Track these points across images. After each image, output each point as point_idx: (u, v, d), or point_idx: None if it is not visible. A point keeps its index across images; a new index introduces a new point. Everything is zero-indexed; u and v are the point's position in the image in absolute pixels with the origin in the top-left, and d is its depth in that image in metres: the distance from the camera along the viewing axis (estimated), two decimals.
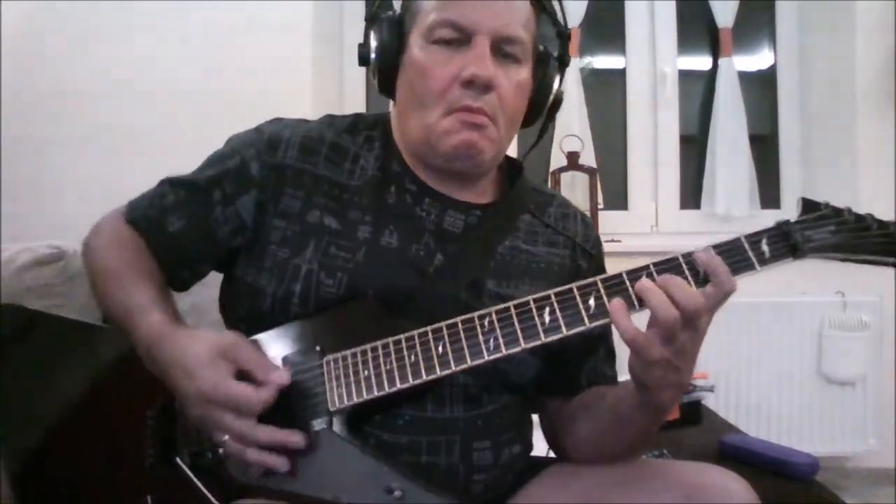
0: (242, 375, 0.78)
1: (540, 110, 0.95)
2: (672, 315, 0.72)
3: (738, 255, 0.77)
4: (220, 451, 0.79)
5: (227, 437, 0.78)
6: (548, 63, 0.93)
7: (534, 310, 0.78)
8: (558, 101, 0.96)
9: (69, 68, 2.16)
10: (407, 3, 0.92)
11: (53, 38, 2.16)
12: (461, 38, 0.86)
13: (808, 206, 0.80)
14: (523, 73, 0.90)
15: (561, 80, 0.96)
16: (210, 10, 2.17)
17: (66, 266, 1.48)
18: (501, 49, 0.87)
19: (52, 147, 2.15)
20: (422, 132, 0.89)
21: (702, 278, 0.76)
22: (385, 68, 0.91)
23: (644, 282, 0.75)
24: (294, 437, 0.78)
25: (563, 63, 0.95)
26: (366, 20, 0.93)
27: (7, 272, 1.41)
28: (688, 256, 0.77)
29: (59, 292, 1.46)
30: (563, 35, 0.94)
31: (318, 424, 0.81)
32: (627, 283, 0.76)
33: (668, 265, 0.77)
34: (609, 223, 2.41)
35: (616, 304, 0.75)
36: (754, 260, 0.77)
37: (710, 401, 1.80)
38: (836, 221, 0.78)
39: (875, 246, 0.77)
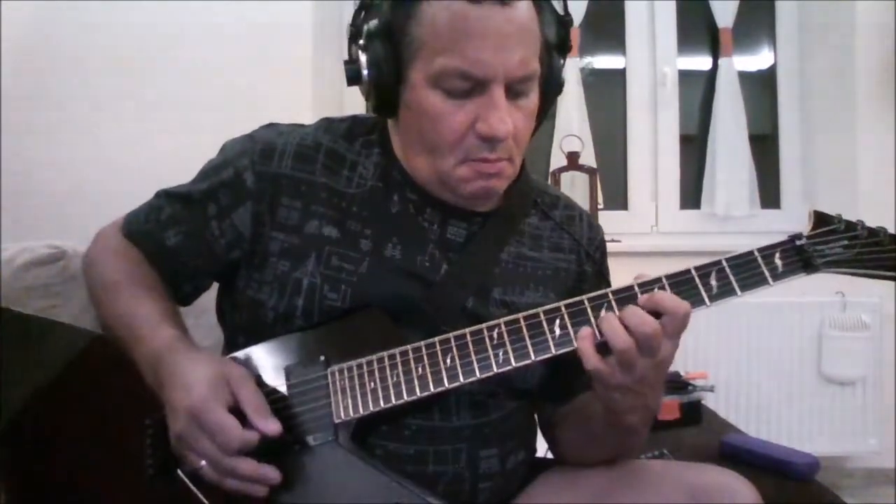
0: (237, 412, 0.76)
1: (548, 104, 0.90)
2: (625, 342, 0.72)
3: (751, 270, 0.77)
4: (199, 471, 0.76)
5: (200, 465, 0.75)
6: (552, 55, 0.88)
7: (544, 322, 0.77)
8: (561, 87, 0.92)
9: (69, 69, 2.16)
10: (400, 24, 0.82)
11: (54, 38, 2.16)
12: (473, 87, 0.80)
13: (821, 219, 0.79)
14: (534, 97, 0.85)
15: (563, 67, 0.91)
16: (210, 11, 2.16)
17: (66, 266, 1.48)
18: (515, 88, 0.81)
19: (52, 147, 2.15)
20: (434, 175, 0.86)
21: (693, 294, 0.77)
22: (383, 96, 0.84)
23: (604, 314, 0.75)
24: (270, 474, 0.75)
25: (565, 51, 0.90)
26: (350, 38, 0.86)
27: (7, 272, 1.41)
28: (671, 276, 0.77)
29: (58, 292, 1.46)
30: (564, 23, 0.88)
31: (324, 437, 0.79)
32: (638, 293, 0.76)
33: (681, 277, 0.77)
34: (609, 223, 2.39)
35: (583, 333, 0.75)
36: (767, 275, 0.77)
37: (710, 401, 1.80)
38: (849, 236, 0.78)
39: (888, 261, 0.77)
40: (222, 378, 0.77)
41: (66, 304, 1.46)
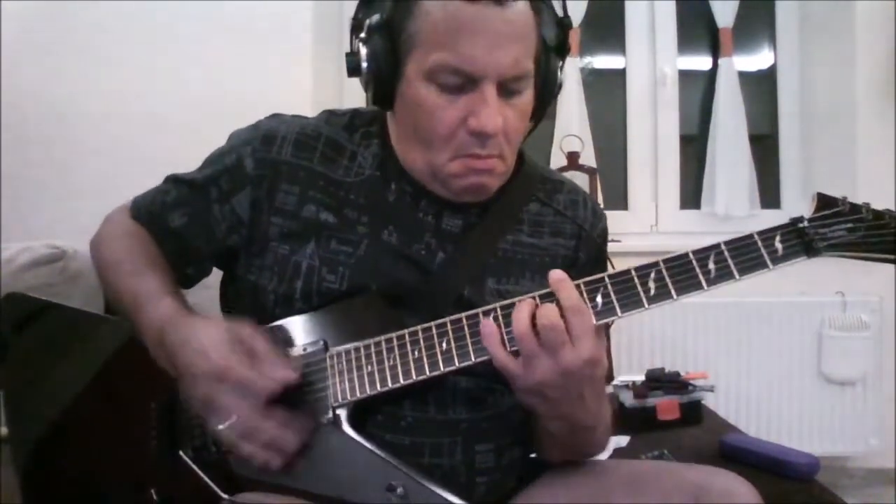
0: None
1: (545, 104, 0.91)
2: (522, 330, 0.73)
3: (750, 253, 0.75)
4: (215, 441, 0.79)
5: (223, 425, 0.77)
6: (550, 56, 0.88)
7: (539, 307, 0.77)
8: (559, 88, 0.92)
9: (70, 69, 2.16)
10: (399, 19, 0.83)
11: (54, 38, 2.16)
12: (465, 83, 0.81)
13: (824, 201, 0.77)
14: (527, 95, 0.86)
15: (561, 68, 0.91)
16: (210, 11, 2.17)
17: (66, 266, 1.48)
18: (508, 87, 0.82)
19: (52, 147, 2.15)
20: (427, 168, 0.87)
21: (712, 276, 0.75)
22: (380, 88, 0.86)
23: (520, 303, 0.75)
24: (291, 439, 0.78)
25: (563, 52, 0.90)
26: (351, 31, 0.88)
27: (7, 272, 1.41)
28: (699, 253, 0.76)
29: (58, 292, 1.46)
30: (563, 25, 0.89)
31: (321, 419, 0.81)
32: (636, 281, 0.76)
33: (678, 262, 0.76)
34: (609, 223, 2.40)
35: (488, 327, 0.75)
36: (767, 258, 0.75)
37: (710, 401, 1.80)
38: (854, 219, 0.75)
39: (893, 245, 0.74)
40: (234, 336, 0.79)
41: (66, 303, 1.46)
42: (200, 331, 0.80)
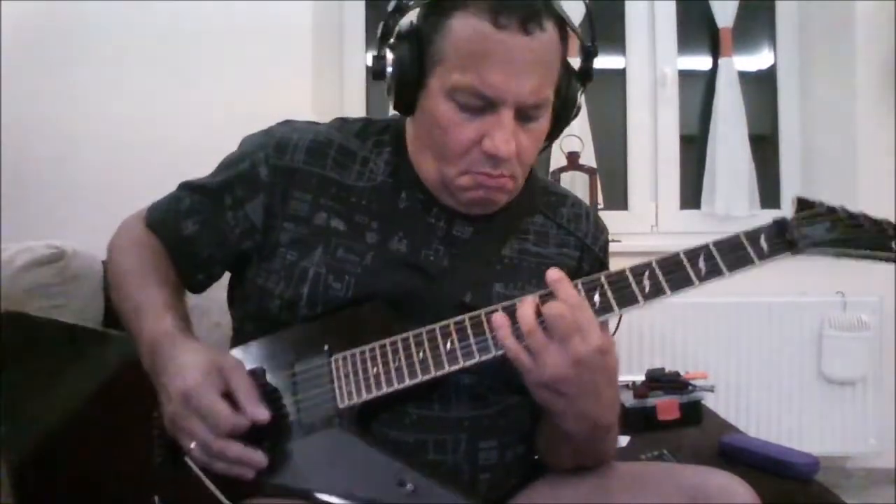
0: (230, 400, 0.79)
1: (561, 127, 0.93)
2: (529, 323, 0.73)
3: (737, 251, 0.79)
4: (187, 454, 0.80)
5: (192, 444, 0.79)
6: (571, 82, 0.91)
7: (540, 306, 0.78)
8: (577, 112, 0.95)
9: (70, 69, 2.16)
10: (427, 33, 0.85)
11: (54, 39, 2.16)
12: (485, 106, 0.83)
13: (803, 204, 0.82)
14: (544, 121, 0.88)
15: (582, 93, 0.93)
16: (210, 11, 2.17)
17: (66, 266, 1.48)
18: (526, 113, 0.84)
19: (52, 148, 2.15)
20: (439, 178, 0.89)
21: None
22: (402, 95, 0.88)
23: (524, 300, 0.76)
24: (256, 457, 0.79)
25: (587, 78, 0.93)
26: (380, 36, 0.89)
27: (7, 272, 1.41)
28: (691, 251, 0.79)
29: (58, 292, 1.46)
30: (588, 52, 0.91)
31: (328, 422, 0.82)
32: (631, 280, 0.78)
33: (670, 260, 0.79)
34: (609, 223, 2.38)
35: (499, 319, 0.76)
36: (753, 255, 0.78)
37: (710, 401, 1.80)
38: (831, 219, 0.80)
39: (869, 241, 0.80)
40: (215, 366, 0.80)
41: (67, 304, 1.46)
42: (185, 354, 0.81)
